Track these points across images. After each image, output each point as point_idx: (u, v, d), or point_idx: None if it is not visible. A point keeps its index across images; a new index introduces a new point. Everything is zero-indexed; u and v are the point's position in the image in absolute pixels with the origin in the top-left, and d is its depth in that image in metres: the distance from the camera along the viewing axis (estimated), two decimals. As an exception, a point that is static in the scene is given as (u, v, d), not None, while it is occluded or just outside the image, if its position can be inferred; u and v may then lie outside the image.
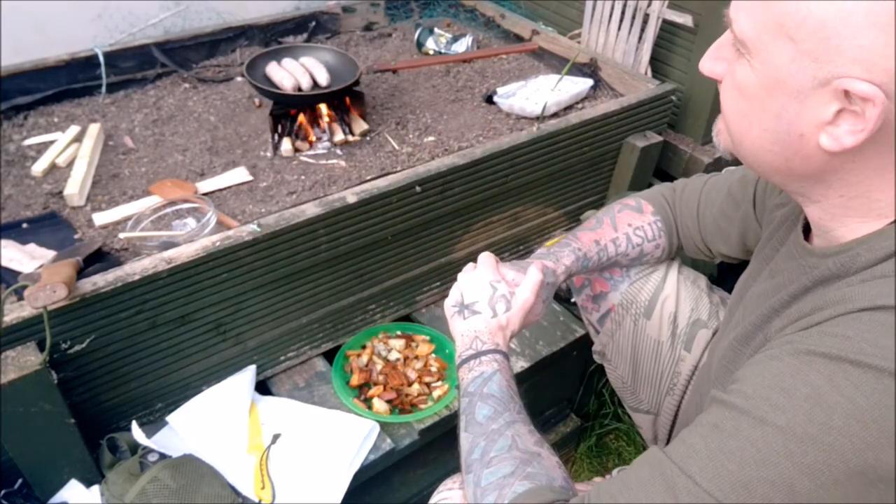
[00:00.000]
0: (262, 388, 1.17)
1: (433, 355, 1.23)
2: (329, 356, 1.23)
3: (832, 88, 0.53)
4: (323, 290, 1.16)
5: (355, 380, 1.16)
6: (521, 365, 1.25)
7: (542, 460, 0.69)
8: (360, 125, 1.36)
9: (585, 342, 1.33)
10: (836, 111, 0.54)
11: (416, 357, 1.22)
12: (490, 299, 0.85)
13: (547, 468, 0.68)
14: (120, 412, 1.04)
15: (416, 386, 1.17)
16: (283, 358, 1.18)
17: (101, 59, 1.43)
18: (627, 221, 0.99)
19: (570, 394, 1.51)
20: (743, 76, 0.59)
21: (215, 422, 1.06)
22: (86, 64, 1.43)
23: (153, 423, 1.08)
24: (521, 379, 1.25)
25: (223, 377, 1.12)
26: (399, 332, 1.27)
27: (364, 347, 1.24)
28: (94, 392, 0.99)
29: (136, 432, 1.00)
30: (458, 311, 0.86)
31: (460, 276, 0.90)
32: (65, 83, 1.42)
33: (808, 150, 0.57)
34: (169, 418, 1.06)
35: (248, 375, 1.12)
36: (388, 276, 1.24)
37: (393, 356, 1.22)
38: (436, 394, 1.17)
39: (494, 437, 0.72)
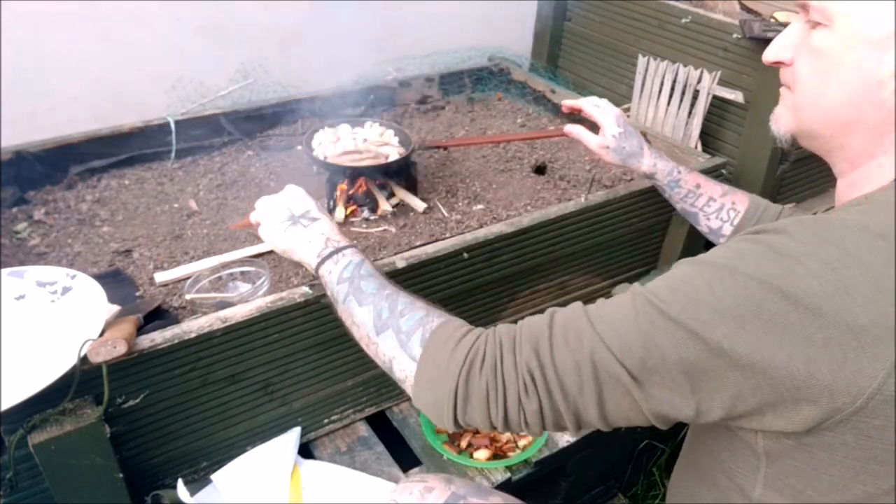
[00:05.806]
0: (305, 450, 1.17)
1: None
2: (370, 421, 1.23)
3: None
4: (369, 354, 1.16)
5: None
6: (566, 439, 1.21)
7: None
8: (412, 200, 1.40)
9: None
10: None
11: None
12: (318, 207, 0.92)
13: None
14: (166, 469, 1.05)
15: (506, 434, 1.20)
16: (326, 421, 1.18)
17: (173, 126, 1.52)
18: (734, 199, 1.14)
19: (618, 472, 1.45)
20: (820, 40, 0.65)
21: (258, 482, 1.06)
22: (158, 131, 1.52)
23: (197, 482, 1.08)
24: (567, 454, 1.22)
25: (268, 438, 1.12)
26: None
27: None
28: (142, 448, 1.01)
29: (181, 490, 1.00)
30: (292, 223, 0.89)
31: (266, 199, 0.94)
32: (137, 148, 1.51)
33: (883, 97, 0.62)
34: (214, 476, 1.06)
35: (292, 437, 1.13)
36: (433, 341, 1.24)
37: None
38: (521, 443, 1.19)
39: (393, 297, 0.78)
